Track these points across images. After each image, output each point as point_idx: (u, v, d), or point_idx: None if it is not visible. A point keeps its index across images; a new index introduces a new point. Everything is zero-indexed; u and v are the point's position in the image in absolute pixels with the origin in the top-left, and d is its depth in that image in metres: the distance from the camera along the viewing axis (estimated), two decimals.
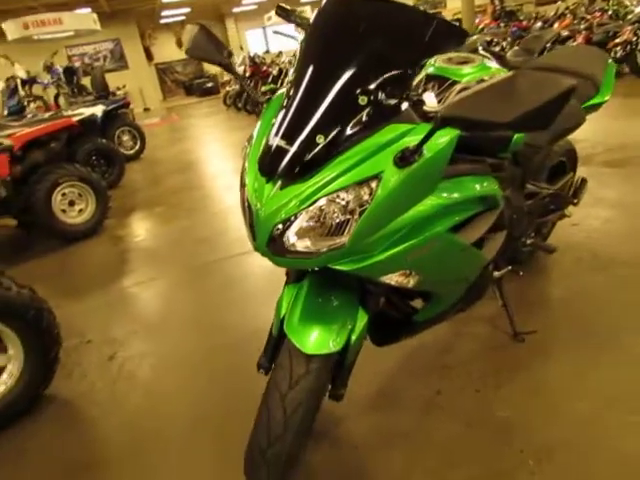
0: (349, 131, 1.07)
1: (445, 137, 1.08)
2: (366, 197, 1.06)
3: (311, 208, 1.07)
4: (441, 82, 1.44)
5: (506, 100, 0.84)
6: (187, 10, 14.63)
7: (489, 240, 1.53)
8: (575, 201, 2.32)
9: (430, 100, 1.31)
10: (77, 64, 11.72)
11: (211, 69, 15.40)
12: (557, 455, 1.49)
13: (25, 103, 7.05)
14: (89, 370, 2.31)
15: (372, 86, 1.06)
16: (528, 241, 2.07)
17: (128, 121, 6.72)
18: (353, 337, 1.29)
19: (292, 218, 1.08)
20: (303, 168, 1.08)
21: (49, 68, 8.01)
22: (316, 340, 1.21)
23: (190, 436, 1.78)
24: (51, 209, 3.86)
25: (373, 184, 1.05)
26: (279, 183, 1.11)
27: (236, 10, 17.22)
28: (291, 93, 1.14)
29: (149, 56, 13.20)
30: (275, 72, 8.57)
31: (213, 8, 16.15)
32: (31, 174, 3.90)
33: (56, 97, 8.45)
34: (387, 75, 1.07)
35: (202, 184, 5.47)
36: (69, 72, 7.20)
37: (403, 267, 1.18)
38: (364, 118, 1.07)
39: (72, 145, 4.98)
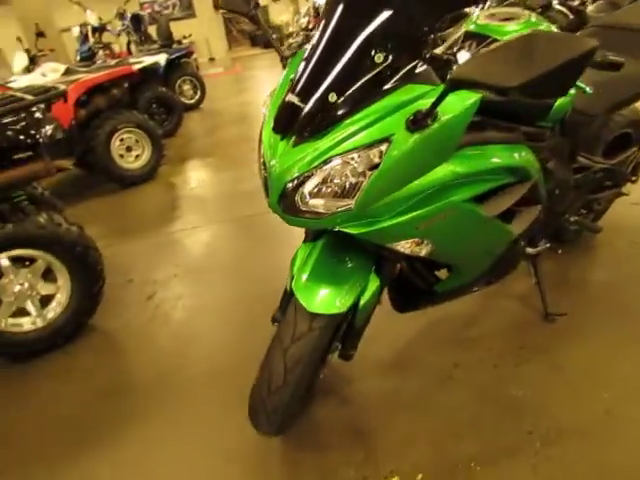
0: (364, 91, 1.03)
1: (464, 102, 1.01)
2: (376, 160, 1.03)
3: (323, 168, 1.06)
4: (480, 40, 1.34)
5: (518, 62, 0.77)
6: None
7: (520, 214, 1.46)
8: (634, 179, 2.14)
9: (463, 59, 1.23)
10: (147, 11, 11.88)
11: (277, 20, 15.06)
12: (567, 440, 1.45)
13: (95, 50, 7.29)
14: (129, 307, 2.47)
15: (389, 44, 1.00)
16: (572, 218, 1.94)
17: (190, 71, 6.80)
18: (362, 301, 1.29)
19: (303, 177, 1.07)
20: (316, 126, 1.06)
21: (121, 15, 8.18)
22: (321, 300, 1.23)
23: (210, 377, 1.89)
24: (110, 153, 4.05)
25: (383, 147, 1.02)
26: (292, 140, 1.10)
27: None
28: (311, 50, 1.11)
29: (216, 5, 13.10)
30: None
31: None
32: (94, 119, 4.08)
33: (128, 44, 8.67)
34: (404, 33, 1.01)
35: (256, 137, 5.50)
36: (136, 20, 7.32)
37: (413, 235, 1.15)
38: (380, 77, 1.03)
39: (134, 92, 5.14)
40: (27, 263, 2.10)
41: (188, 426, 1.69)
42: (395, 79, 1.03)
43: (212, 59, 13.81)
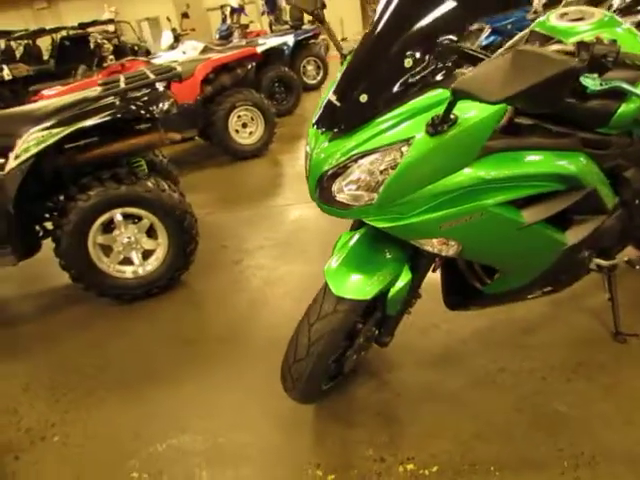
0: (393, 93, 1.08)
1: (485, 110, 1.01)
2: (398, 160, 1.07)
3: (351, 163, 1.13)
4: (544, 40, 1.26)
5: (507, 76, 0.77)
6: None
7: (577, 222, 1.38)
8: None
9: None
10: None
11: None
12: (600, 466, 1.37)
13: (232, 30, 7.86)
14: (217, 270, 2.76)
15: (417, 51, 1.03)
16: None
17: (315, 51, 7.03)
18: (391, 291, 1.35)
19: (334, 170, 1.15)
20: (348, 124, 1.13)
21: None
22: (347, 285, 1.31)
23: (273, 343, 2.04)
24: (227, 128, 4.43)
25: (404, 148, 1.06)
26: (329, 135, 1.18)
27: None
28: (353, 53, 1.17)
29: None
30: None
31: None
32: (218, 95, 4.49)
33: (270, 25, 9.20)
34: (433, 40, 1.03)
35: None
36: (271, 1, 7.72)
37: (436, 234, 1.17)
38: (408, 81, 1.06)
39: (259, 72, 5.51)
40: (136, 221, 2.46)
41: (242, 381, 1.89)
42: (422, 84, 1.06)
43: (344, 39, 13.96)
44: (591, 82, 1.16)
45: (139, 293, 2.50)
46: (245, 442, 1.62)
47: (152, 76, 2.52)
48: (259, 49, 4.80)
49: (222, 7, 8.19)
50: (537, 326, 1.92)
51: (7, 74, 8.10)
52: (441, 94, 1.05)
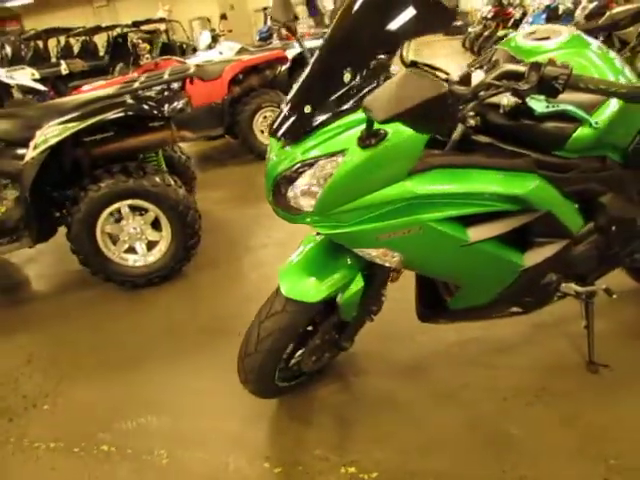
0: (334, 105, 1.13)
1: None
2: (334, 170, 1.12)
3: (294, 171, 1.18)
4: (509, 59, 1.26)
5: (392, 97, 0.80)
6: None
7: (537, 245, 1.38)
8: None
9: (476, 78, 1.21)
10: None
11: (467, 7, 14.45)
12: None
13: (272, 32, 8.03)
14: (219, 263, 2.87)
15: (356, 65, 1.07)
16: None
17: None
18: (343, 297, 1.40)
19: (282, 177, 1.21)
20: (294, 134, 1.19)
21: (307, 0, 8.82)
22: (296, 287, 1.37)
23: None
24: (252, 128, 4.56)
25: (340, 159, 1.10)
26: (282, 143, 1.24)
27: None
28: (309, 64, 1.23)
29: None
30: (518, 15, 7.68)
31: None
32: (246, 96, 4.63)
33: (310, 29, 9.35)
34: (370, 55, 1.07)
35: None
36: (313, 5, 7.83)
37: (374, 244, 1.20)
38: (348, 94, 1.11)
39: (295, 74, 5.61)
40: (142, 213, 2.60)
41: (216, 371, 1.96)
42: (359, 96, 1.10)
43: None
44: (537, 104, 1.17)
45: (141, 281, 2.64)
46: (205, 428, 1.70)
47: (167, 77, 2.65)
48: (290, 52, 4.90)
49: (265, 9, 8.38)
50: (511, 347, 1.90)
51: (64, 69, 8.61)
52: None
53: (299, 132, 1.18)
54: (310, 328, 1.56)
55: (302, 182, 1.18)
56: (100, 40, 10.54)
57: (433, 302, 1.63)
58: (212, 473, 1.53)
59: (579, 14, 4.89)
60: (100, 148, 2.63)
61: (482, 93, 1.20)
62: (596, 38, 4.65)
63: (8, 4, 15.26)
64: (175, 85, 2.73)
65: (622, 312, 1.97)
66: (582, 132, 1.20)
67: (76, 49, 10.40)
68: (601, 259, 1.56)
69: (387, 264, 1.27)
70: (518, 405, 1.64)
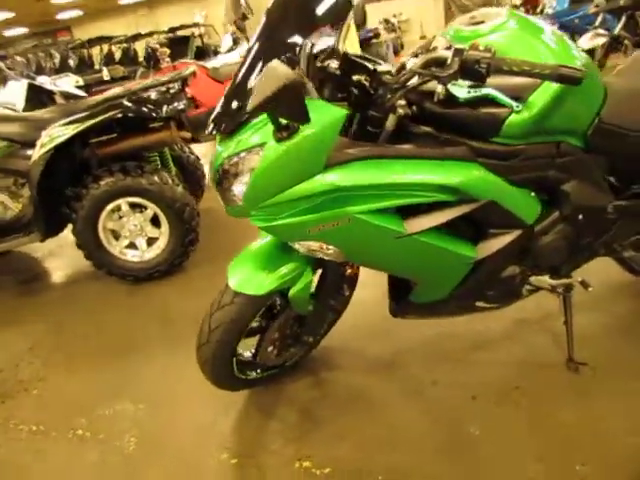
0: None
1: (327, 118, 1.04)
2: (256, 164, 1.12)
3: (227, 163, 1.20)
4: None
5: (256, 91, 0.81)
6: None
7: (489, 236, 1.33)
8: None
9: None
10: None
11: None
12: None
13: None
14: (220, 261, 2.90)
15: (269, 60, 1.07)
16: (626, 253, 1.59)
17: (374, 52, 7.01)
18: (292, 291, 1.40)
19: (220, 169, 1.23)
20: (225, 128, 1.20)
21: None
22: (243, 280, 1.38)
23: None
24: None
25: (261, 152, 1.11)
26: (220, 137, 1.26)
27: None
28: None
29: None
30: (547, 1, 7.33)
31: None
32: None
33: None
34: (283, 48, 1.07)
35: None
36: None
37: (306, 237, 1.19)
38: None
39: None
40: (142, 210, 2.69)
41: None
42: None
43: (423, 37, 13.73)
44: (459, 90, 1.13)
45: (141, 275, 2.74)
46: (179, 417, 1.75)
47: (165, 79, 2.73)
48: None
49: None
50: (490, 343, 1.84)
51: (106, 75, 9.06)
52: None
53: (230, 127, 1.19)
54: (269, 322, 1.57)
55: (232, 174, 1.19)
56: (140, 47, 10.95)
57: (402, 297, 1.61)
58: (172, 462, 1.57)
59: None
60: (106, 148, 2.74)
61: (410, 82, 1.18)
62: (619, 19, 4.36)
63: (60, 16, 16.18)
64: (175, 86, 2.80)
65: (608, 306, 1.86)
66: (515, 117, 1.14)
67: (118, 56, 10.86)
68: (572, 250, 1.48)
69: (325, 257, 1.26)
70: (486, 404, 1.58)
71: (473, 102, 1.15)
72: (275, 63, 0.88)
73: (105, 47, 10.91)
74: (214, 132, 1.22)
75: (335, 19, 1.16)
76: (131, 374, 2.03)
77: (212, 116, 1.26)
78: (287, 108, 0.88)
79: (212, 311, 1.44)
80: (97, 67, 10.40)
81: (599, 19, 4.91)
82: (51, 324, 2.54)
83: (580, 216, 1.42)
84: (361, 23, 6.91)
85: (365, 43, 6.74)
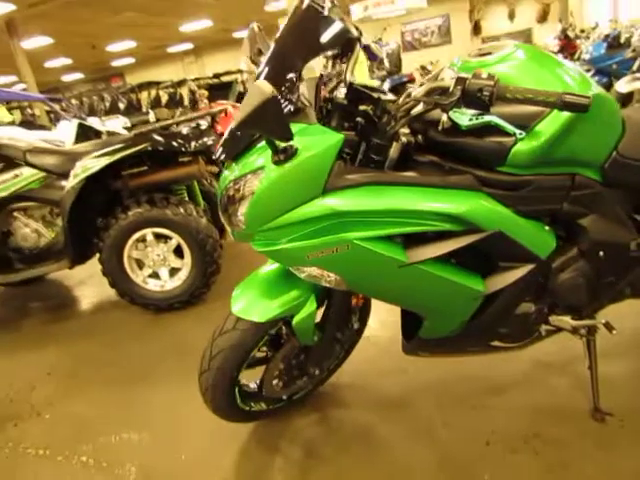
0: None
1: (324, 142, 1.05)
2: (256, 188, 1.14)
3: (230, 188, 1.22)
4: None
5: (241, 109, 0.82)
6: None
7: (500, 269, 1.28)
8: None
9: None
10: (407, 39, 12.75)
11: (540, 42, 14.08)
12: None
13: None
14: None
15: (278, 83, 1.10)
16: None
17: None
18: (295, 319, 1.38)
19: (224, 193, 1.25)
20: (230, 153, 1.23)
21: (376, 43, 9.15)
22: (245, 306, 1.37)
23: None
24: None
25: (261, 176, 1.12)
26: (226, 163, 1.29)
27: None
28: None
29: (477, 30, 13.09)
30: (584, 47, 7.29)
31: None
32: None
33: (370, 70, 9.65)
34: (285, 74, 1.10)
35: None
36: (370, 50, 8.06)
37: (305, 263, 1.18)
38: None
39: None
40: (167, 240, 2.76)
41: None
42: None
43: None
44: (461, 118, 1.12)
45: (162, 305, 2.77)
46: (178, 449, 1.71)
47: (195, 115, 2.85)
48: None
49: None
50: (509, 386, 1.73)
51: (152, 117, 9.61)
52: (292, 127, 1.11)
53: (234, 152, 1.22)
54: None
55: (237, 198, 1.21)
56: (186, 92, 11.58)
57: (413, 333, 1.55)
58: None
59: (636, 39, 4.62)
60: (137, 180, 2.86)
61: (414, 110, 1.18)
62: None
63: (114, 64, 17.43)
64: (205, 123, 2.93)
65: (638, 351, 1.73)
66: (522, 146, 1.11)
67: (164, 100, 11.49)
68: (592, 289, 1.40)
69: (327, 285, 1.24)
70: (501, 451, 1.48)
71: (478, 130, 1.14)
72: (259, 81, 0.91)
73: (153, 92, 11.57)
74: (221, 157, 1.25)
75: (334, 47, 1.19)
76: (141, 404, 2.02)
77: (220, 142, 1.29)
78: (267, 124, 0.89)
79: (214, 337, 1.43)
80: (144, 110, 11.02)
81: (637, 63, 4.86)
82: (69, 351, 2.58)
83: (600, 253, 1.35)
84: (397, 68, 7.10)
85: (400, 87, 6.88)
